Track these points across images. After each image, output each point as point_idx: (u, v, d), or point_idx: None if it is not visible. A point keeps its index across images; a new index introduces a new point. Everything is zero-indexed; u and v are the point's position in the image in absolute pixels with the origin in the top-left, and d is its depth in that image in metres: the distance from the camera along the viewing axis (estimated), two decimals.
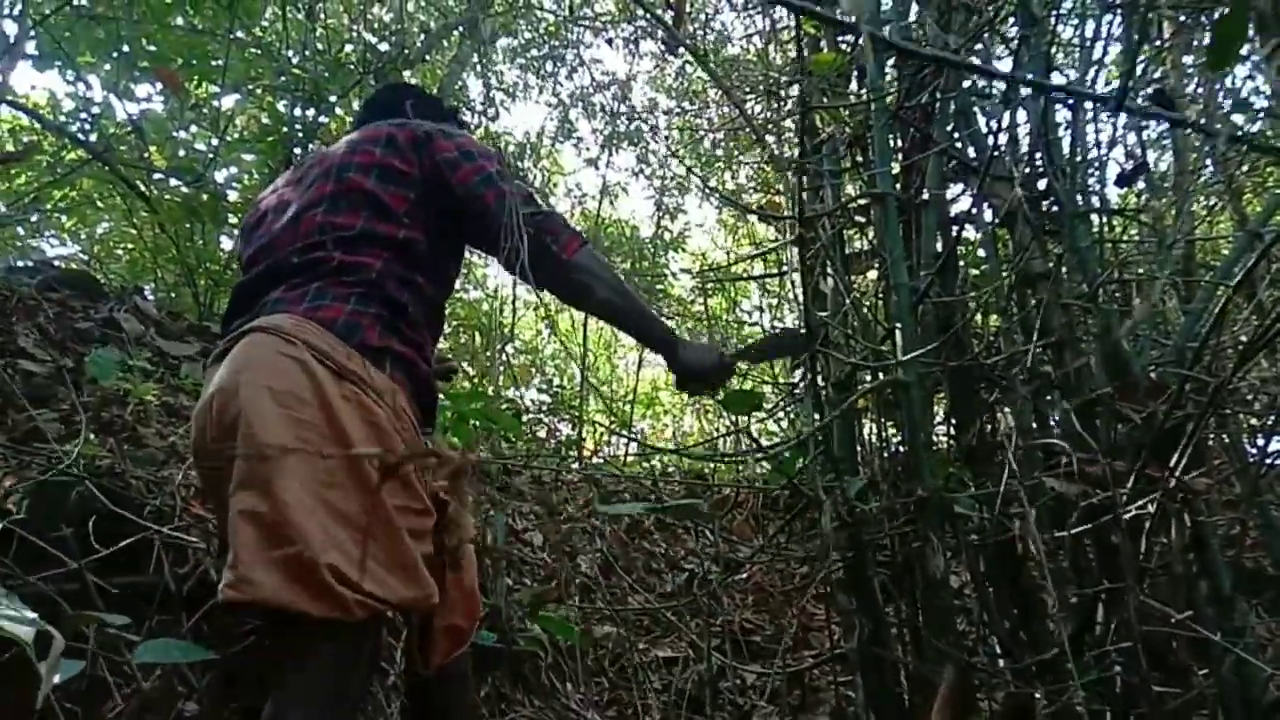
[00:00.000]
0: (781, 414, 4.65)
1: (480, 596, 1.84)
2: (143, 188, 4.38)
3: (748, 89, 4.02)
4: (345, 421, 1.45)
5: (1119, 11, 2.29)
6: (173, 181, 4.37)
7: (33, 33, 4.23)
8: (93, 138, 4.54)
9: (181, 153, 4.75)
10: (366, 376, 1.52)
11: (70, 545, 1.74)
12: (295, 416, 1.43)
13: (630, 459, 6.02)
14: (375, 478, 1.43)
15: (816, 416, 2.50)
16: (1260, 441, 2.38)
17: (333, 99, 4.85)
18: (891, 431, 2.52)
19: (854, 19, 2.11)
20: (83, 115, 4.70)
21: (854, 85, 2.80)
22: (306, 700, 1.36)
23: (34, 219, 5.19)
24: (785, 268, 3.64)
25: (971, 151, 2.45)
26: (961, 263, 2.45)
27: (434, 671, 1.72)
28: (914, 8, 2.57)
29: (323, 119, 5.01)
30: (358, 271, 1.62)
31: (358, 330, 1.56)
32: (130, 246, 5.45)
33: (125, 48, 4.56)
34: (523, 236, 1.68)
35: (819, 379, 2.58)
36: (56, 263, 4.09)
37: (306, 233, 1.68)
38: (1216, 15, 2.26)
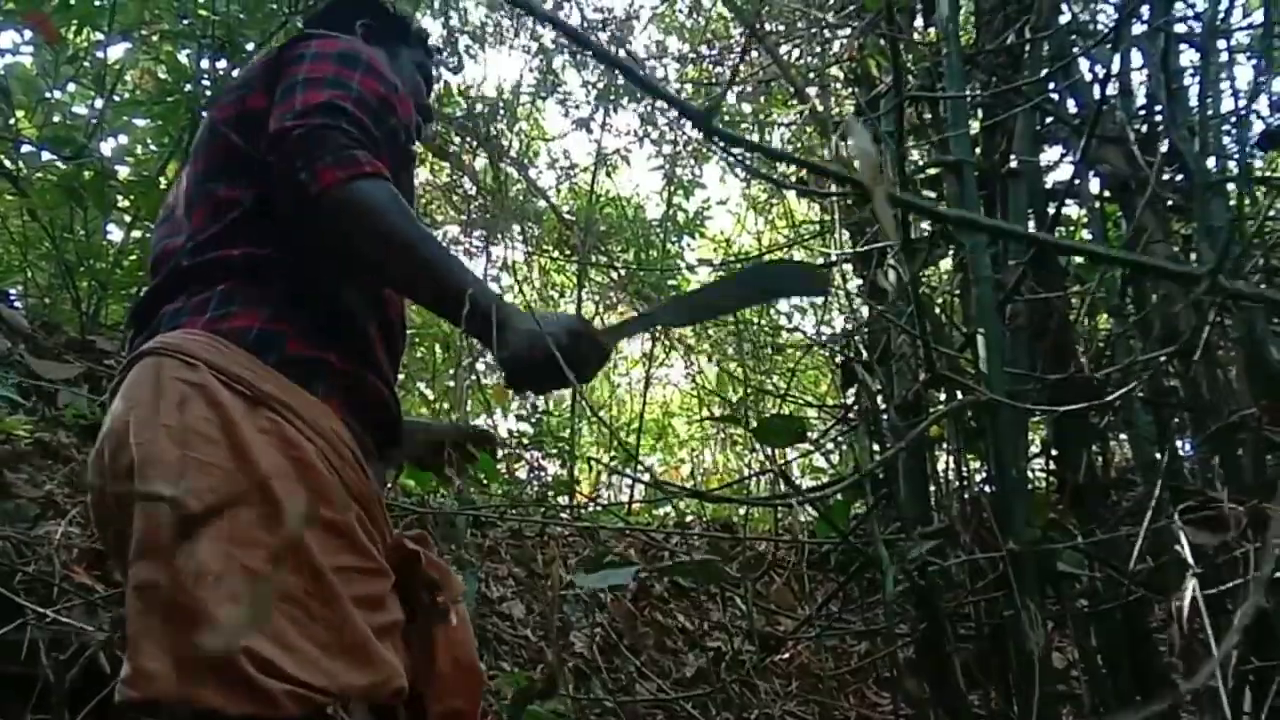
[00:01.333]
0: (830, 445, 4.65)
1: (482, 669, 1.81)
2: (8, 164, 4.40)
3: (783, 29, 4.05)
4: (260, 461, 1.42)
5: None
6: (47, 155, 4.39)
7: None
8: None
9: (58, 118, 4.76)
10: (291, 400, 1.50)
11: None
12: (198, 460, 1.40)
13: (637, 504, 6.02)
14: (306, 532, 1.40)
15: (875, 449, 2.51)
16: None
17: (250, 47, 4.87)
18: (974, 467, 2.52)
19: None
20: None
21: (919, 23, 2.82)
22: None
23: None
24: (833, 257, 3.65)
25: (1072, 106, 2.46)
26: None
27: None
28: None
29: (236, 73, 5.04)
30: (272, 265, 1.59)
31: (277, 342, 1.54)
32: None
33: None
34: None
35: (878, 400, 2.58)
36: None
37: (199, 224, 1.64)
38: None
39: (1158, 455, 2.19)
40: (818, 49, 3.68)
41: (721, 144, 5.91)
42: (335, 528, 1.46)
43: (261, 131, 1.59)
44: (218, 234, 1.61)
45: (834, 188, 3.17)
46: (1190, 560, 1.85)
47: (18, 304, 4.11)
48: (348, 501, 1.50)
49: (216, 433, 1.41)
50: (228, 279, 1.58)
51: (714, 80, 7.04)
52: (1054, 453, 2.43)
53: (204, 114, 1.91)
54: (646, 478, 6.00)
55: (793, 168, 5.07)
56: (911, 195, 2.11)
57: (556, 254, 7.59)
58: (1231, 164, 2.31)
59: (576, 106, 8.18)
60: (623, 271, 7.01)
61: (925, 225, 2.72)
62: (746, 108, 6.74)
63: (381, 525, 1.60)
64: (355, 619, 1.42)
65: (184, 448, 1.40)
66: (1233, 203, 2.27)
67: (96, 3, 4.81)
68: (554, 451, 6.17)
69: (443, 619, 1.68)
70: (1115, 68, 2.34)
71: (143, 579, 1.36)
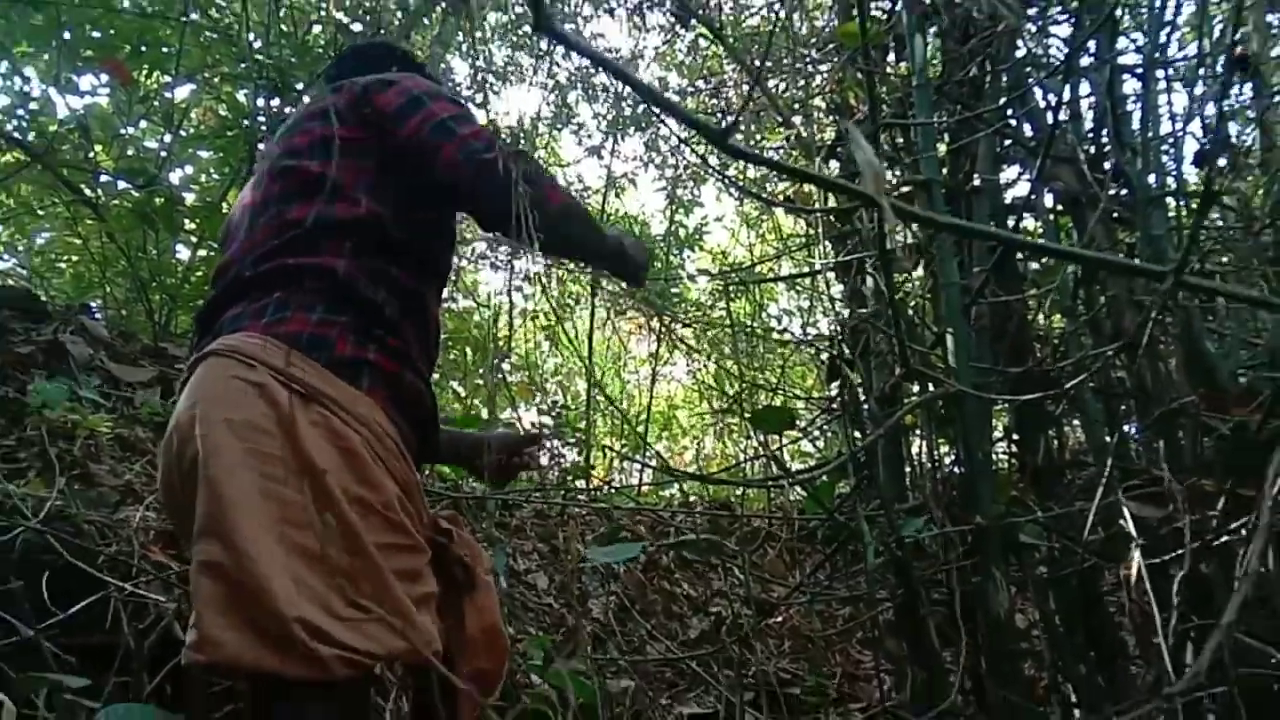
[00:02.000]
0: (817, 433, 4.65)
1: (506, 635, 1.82)
2: (88, 192, 4.41)
3: (770, 65, 4.04)
4: (313, 451, 1.43)
5: None
6: (122, 184, 4.39)
7: None
8: (31, 137, 4.57)
9: (131, 152, 4.77)
10: (339, 396, 1.51)
11: (19, 601, 1.75)
12: (258, 450, 1.41)
13: (646, 487, 6.02)
14: (353, 513, 1.42)
15: (857, 435, 2.50)
16: None
17: (299, 87, 4.88)
18: (945, 450, 2.52)
19: None
20: (20, 112, 4.73)
21: (892, 58, 2.81)
22: None
23: None
24: (818, 266, 3.64)
25: (1028, 130, 2.46)
26: (1020, 256, 2.45)
27: None
28: None
29: (289, 110, 5.04)
30: (321, 274, 1.60)
31: (326, 343, 1.55)
32: (75, 259, 5.47)
33: (67, 35, 4.60)
34: (513, 188, 1.55)
35: (859, 392, 2.58)
36: None
37: (263, 238, 1.66)
38: None
39: (1107, 439, 2.19)
40: (802, 81, 3.67)
41: (728, 163, 5.91)
42: (377, 509, 1.48)
43: (380, 156, 1.70)
44: (277, 248, 1.63)
45: (819, 203, 3.17)
46: (1135, 532, 1.85)
47: (98, 316, 4.11)
48: (390, 485, 1.51)
49: (273, 426, 1.43)
50: (283, 287, 1.60)
51: (711, 111, 7.03)
52: (1015, 437, 2.43)
53: (270, 144, 1.90)
54: (654, 463, 6.00)
55: (781, 186, 5.06)
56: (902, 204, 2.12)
57: (571, 265, 7.59)
58: (1170, 180, 2.31)
59: (589, 136, 8.20)
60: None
61: (899, 238, 2.72)
62: (738, 135, 6.73)
63: (419, 506, 1.61)
64: (396, 590, 1.44)
65: (244, 439, 1.42)
66: (1171, 214, 2.27)
67: (164, 49, 4.82)
68: (572, 441, 6.17)
69: (471, 591, 1.71)
70: (1066, 96, 2.34)
71: (207, 556, 1.38)
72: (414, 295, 1.72)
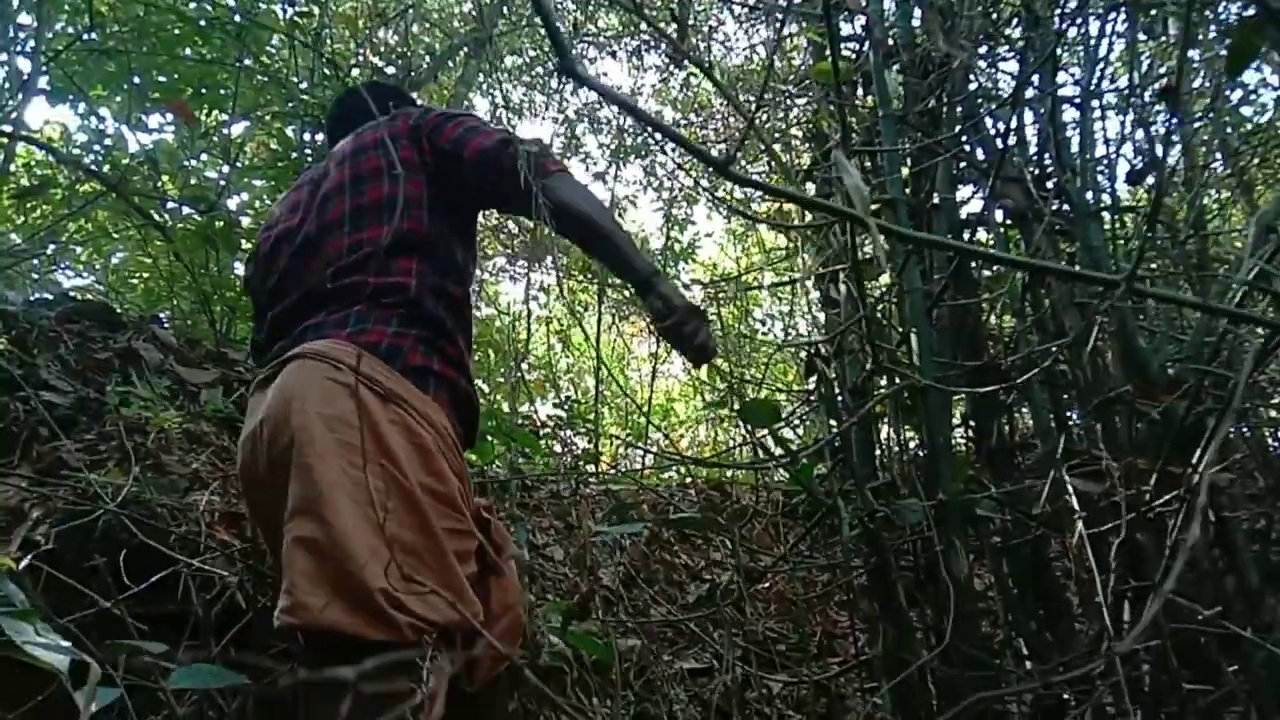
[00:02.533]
0: (797, 422, 4.65)
1: (522, 613, 1.84)
2: (157, 217, 4.41)
3: (753, 99, 4.04)
4: (393, 445, 1.47)
5: (1124, 9, 2.30)
6: (186, 210, 4.39)
7: (45, 68, 4.28)
8: (106, 169, 4.57)
9: (194, 181, 4.77)
10: (411, 399, 1.55)
11: (102, 575, 1.75)
12: (345, 441, 1.45)
13: (648, 470, 6.02)
14: (424, 500, 1.46)
15: (833, 423, 2.50)
16: None
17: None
18: (910, 436, 2.52)
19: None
20: (96, 148, 4.74)
21: (860, 92, 2.81)
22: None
23: (50, 251, 5.24)
24: (797, 275, 3.64)
25: (981, 154, 2.46)
26: (974, 265, 2.45)
27: (478, 688, 1.70)
28: (917, 13, 2.58)
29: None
30: (395, 292, 1.64)
31: (400, 353, 1.59)
32: (146, 276, 5.48)
33: (136, 80, 4.61)
34: (530, 176, 1.64)
35: (835, 386, 2.58)
36: (74, 294, 4.13)
37: (335, 254, 1.68)
38: (1233, 17, 2.26)
39: (1052, 424, 2.19)
40: (781, 113, 3.67)
41: (717, 186, 5.91)
42: (443, 498, 1.52)
43: (431, 173, 1.74)
44: (354, 264, 1.66)
45: (797, 220, 3.17)
46: (1077, 505, 1.85)
47: (167, 326, 4.11)
48: (452, 478, 1.55)
49: (357, 421, 1.45)
50: (360, 302, 1.64)
51: (702, 140, 7.03)
52: (972, 424, 2.43)
53: (315, 171, 1.90)
54: (655, 449, 5.99)
55: (764, 207, 5.06)
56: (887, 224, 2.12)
57: (581, 277, 7.59)
58: (1105, 196, 2.31)
59: (595, 163, 8.22)
60: (631, 291, 7.00)
61: (871, 250, 2.72)
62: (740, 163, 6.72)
63: (470, 495, 1.67)
64: (456, 568, 1.48)
65: (333, 431, 1.46)
66: (1107, 227, 2.27)
67: (222, 91, 4.83)
68: (582, 431, 6.17)
69: (497, 573, 1.73)
70: (1013, 124, 2.34)
71: (302, 532, 1.41)
72: (462, 305, 1.76)
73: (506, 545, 1.79)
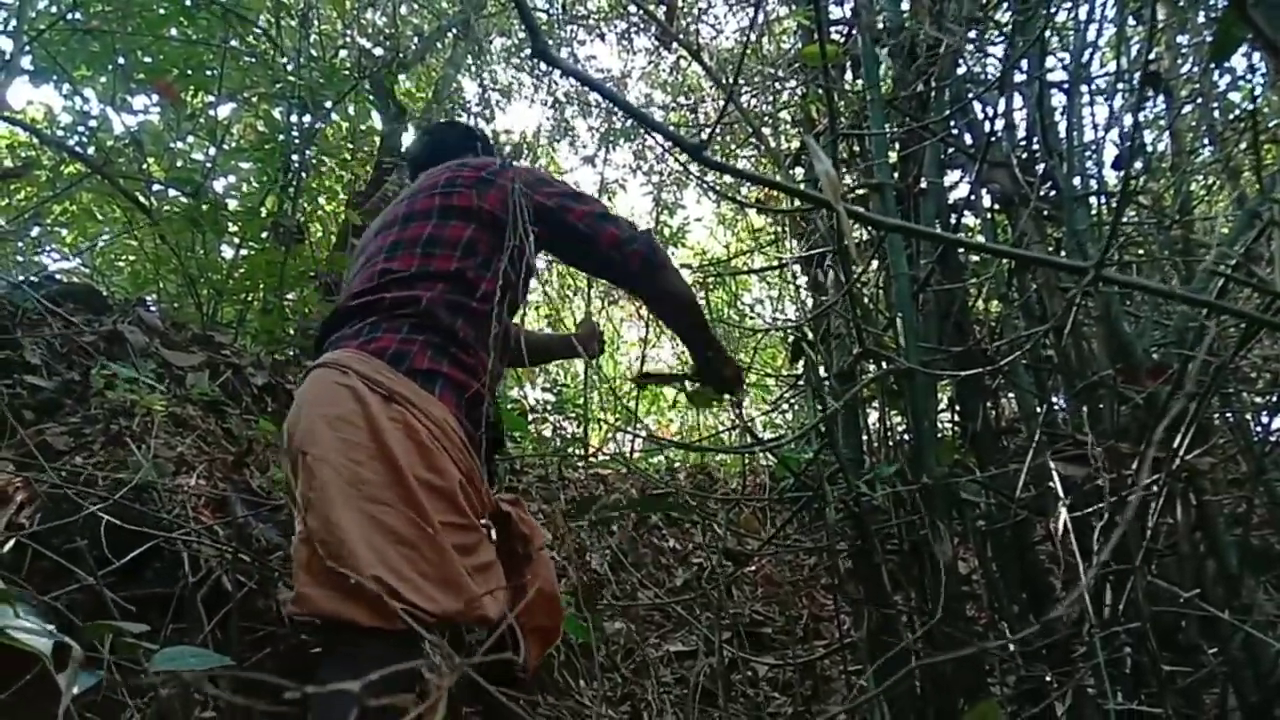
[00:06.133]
0: (785, 406, 4.66)
1: (560, 599, 1.93)
2: (142, 199, 4.39)
3: (742, 82, 4.03)
4: (391, 441, 1.54)
5: None
6: (172, 192, 4.37)
7: (28, 48, 4.24)
8: (91, 151, 4.54)
9: (180, 163, 4.75)
10: (414, 398, 1.62)
11: (85, 558, 1.75)
12: (347, 439, 1.54)
13: (637, 454, 6.03)
14: (422, 495, 1.53)
15: (820, 407, 2.51)
16: (1264, 419, 2.39)
17: (328, 105, 4.84)
18: (896, 420, 2.53)
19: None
20: (80, 129, 4.70)
21: (849, 75, 2.80)
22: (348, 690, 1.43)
23: (35, 233, 5.20)
24: (785, 260, 3.64)
25: (968, 139, 2.45)
26: (960, 250, 2.45)
27: (532, 673, 1.83)
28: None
29: (319, 125, 5.01)
30: (408, 304, 1.74)
31: (407, 356, 1.67)
32: (132, 258, 5.45)
33: (121, 60, 4.57)
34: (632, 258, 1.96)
35: (821, 370, 2.59)
36: (59, 276, 4.09)
37: (368, 277, 1.83)
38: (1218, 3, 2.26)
39: (1037, 408, 2.19)
40: (771, 97, 3.66)
41: (706, 170, 5.88)
42: (442, 492, 1.59)
43: (467, 216, 1.88)
44: (376, 287, 1.80)
45: (785, 205, 3.17)
46: (1061, 490, 1.86)
47: (153, 308, 4.09)
48: (453, 471, 1.62)
49: (360, 420, 1.56)
50: (377, 314, 1.76)
51: (691, 123, 7.01)
52: (957, 408, 2.43)
53: (395, 207, 2.06)
54: (643, 434, 6.00)
55: (753, 191, 5.05)
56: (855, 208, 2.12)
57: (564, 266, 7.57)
58: (1092, 182, 2.31)
59: (584, 146, 8.19)
60: None
61: (857, 235, 2.72)
62: (719, 146, 6.71)
63: (480, 491, 1.72)
64: (454, 560, 1.54)
65: (335, 431, 1.55)
66: (1093, 212, 2.27)
67: (208, 73, 4.79)
68: (572, 415, 6.17)
69: (529, 562, 1.83)
70: (1001, 108, 2.34)
71: (304, 528, 1.51)
72: (487, 319, 1.83)
73: (535, 535, 1.87)
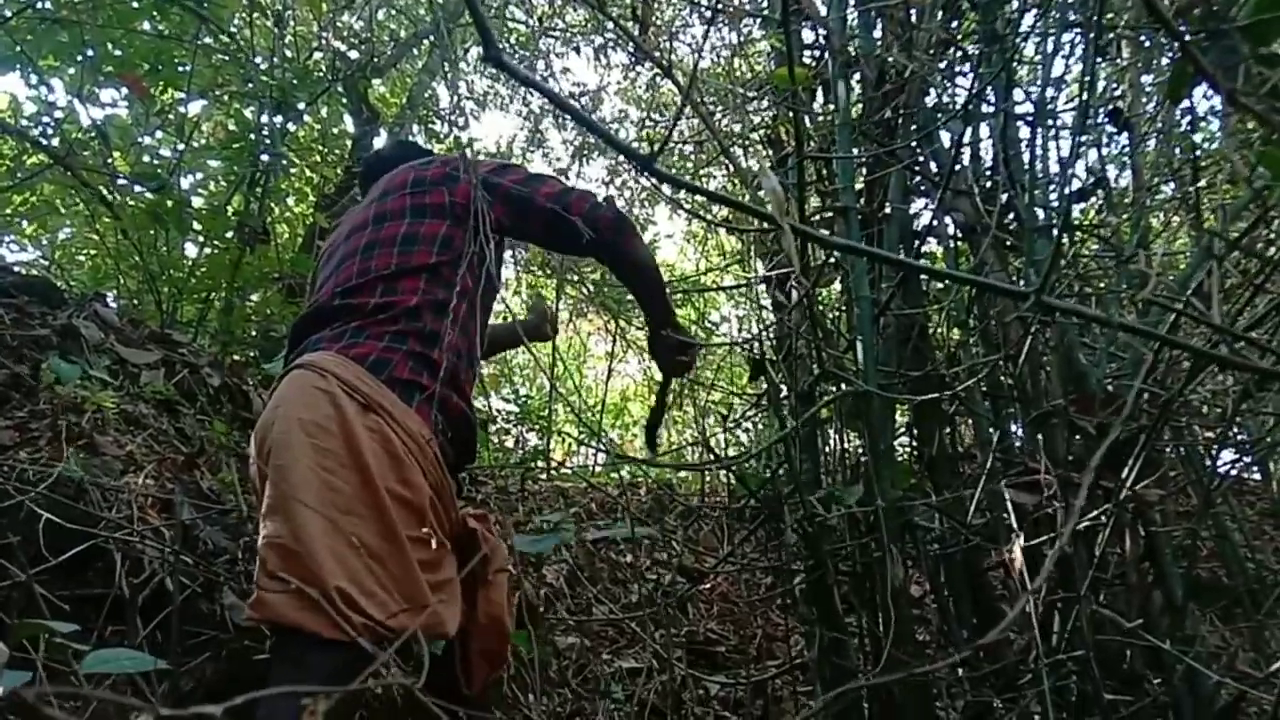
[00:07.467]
0: (746, 425, 4.66)
1: (509, 621, 1.91)
2: (106, 193, 4.32)
3: (714, 101, 4.05)
4: (365, 451, 1.51)
5: (1079, 30, 2.33)
6: (136, 188, 4.31)
7: None
8: (55, 142, 4.46)
9: (146, 158, 4.69)
10: (392, 409, 1.59)
11: (17, 555, 1.71)
12: (320, 446, 1.50)
13: (599, 469, 6.00)
14: (391, 507, 1.50)
15: (779, 427, 2.51)
16: (1214, 453, 2.42)
17: (301, 106, 4.81)
18: (854, 441, 2.54)
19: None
20: (45, 119, 4.62)
21: (819, 98, 2.82)
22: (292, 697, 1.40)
23: None
24: (751, 279, 3.65)
25: (934, 166, 2.48)
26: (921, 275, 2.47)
27: (476, 692, 1.80)
28: (879, 27, 2.60)
29: (290, 126, 4.97)
30: (393, 308, 1.72)
31: (388, 365, 1.65)
32: (93, 253, 5.37)
33: (90, 52, 4.50)
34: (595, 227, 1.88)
35: (782, 389, 2.59)
36: (16, 268, 4.01)
37: (346, 278, 1.79)
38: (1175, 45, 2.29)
39: (992, 434, 2.21)
40: (740, 117, 3.68)
41: (661, 183, 5.89)
42: (412, 506, 1.56)
43: (439, 213, 1.86)
44: (358, 287, 1.76)
45: (753, 224, 3.18)
46: (1014, 517, 1.87)
47: (112, 304, 4.02)
48: (424, 486, 1.59)
49: (335, 427, 1.52)
50: (360, 318, 1.72)
51: (665, 140, 7.02)
52: (914, 431, 2.45)
53: (360, 209, 2.05)
54: (607, 449, 5.99)
55: (721, 210, 5.07)
56: (810, 229, 2.13)
57: (540, 272, 7.56)
58: (1054, 214, 2.34)
59: (558, 159, 8.20)
60: (590, 287, 7.00)
61: (821, 256, 2.73)
62: (690, 163, 6.74)
63: (450, 507, 1.70)
64: (418, 576, 1.52)
65: (309, 436, 1.51)
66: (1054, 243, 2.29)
67: (179, 68, 4.73)
68: (535, 427, 6.15)
69: (484, 584, 1.80)
70: (966, 138, 2.37)
71: (269, 531, 1.47)
72: (466, 320, 1.82)
73: (496, 557, 1.85)
